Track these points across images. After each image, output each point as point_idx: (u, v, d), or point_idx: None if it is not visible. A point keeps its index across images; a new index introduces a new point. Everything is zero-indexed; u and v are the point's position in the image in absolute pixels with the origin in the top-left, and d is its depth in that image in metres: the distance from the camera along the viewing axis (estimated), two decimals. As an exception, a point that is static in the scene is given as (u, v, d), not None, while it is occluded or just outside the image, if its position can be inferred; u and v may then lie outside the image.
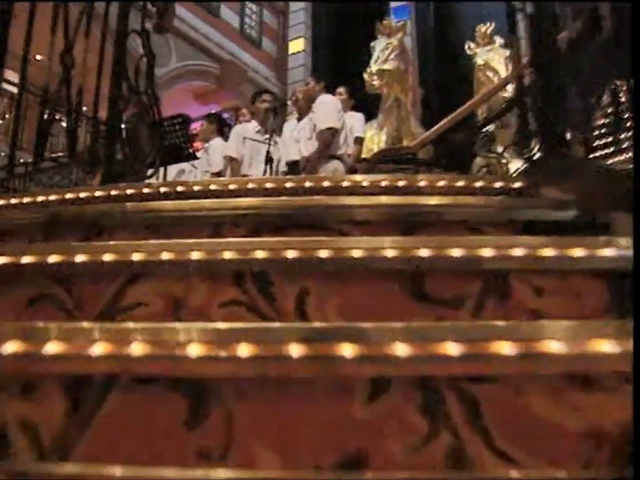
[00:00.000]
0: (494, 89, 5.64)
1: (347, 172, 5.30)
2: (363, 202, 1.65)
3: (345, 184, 1.88)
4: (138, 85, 2.98)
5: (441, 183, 1.93)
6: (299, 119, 6.23)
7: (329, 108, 5.26)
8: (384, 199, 1.68)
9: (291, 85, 16.70)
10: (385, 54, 9.08)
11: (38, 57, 14.25)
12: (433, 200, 1.68)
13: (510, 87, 7.21)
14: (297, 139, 6.05)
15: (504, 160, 5.15)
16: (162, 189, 2.08)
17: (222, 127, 6.38)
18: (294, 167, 5.88)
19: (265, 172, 5.29)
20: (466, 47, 9.53)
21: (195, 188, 2.07)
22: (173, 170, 6.32)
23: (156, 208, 1.78)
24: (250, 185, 2.08)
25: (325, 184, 1.91)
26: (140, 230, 1.75)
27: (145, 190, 2.09)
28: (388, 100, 9.07)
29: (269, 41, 17.89)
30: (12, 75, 13.53)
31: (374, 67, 8.88)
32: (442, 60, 15.24)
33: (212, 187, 2.09)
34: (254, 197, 1.82)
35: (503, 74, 8.48)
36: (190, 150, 5.25)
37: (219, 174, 5.90)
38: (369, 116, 8.23)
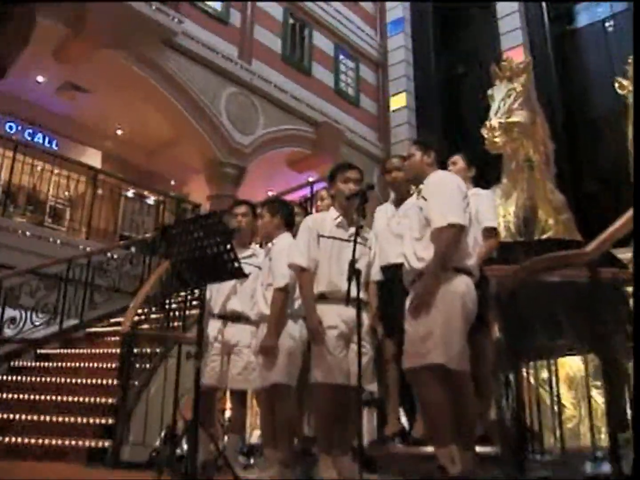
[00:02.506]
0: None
1: (477, 292, 3.37)
2: None
3: None
4: None
5: None
6: (398, 203, 4.39)
7: (451, 194, 3.39)
8: None
9: (394, 146, 15.00)
10: (507, 103, 7.18)
11: (118, 131, 13.32)
12: None
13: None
14: (397, 233, 4.21)
15: None
16: None
17: (290, 219, 4.61)
18: (392, 274, 4.03)
19: (349, 292, 3.43)
20: (615, 85, 7.42)
21: None
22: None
23: None
24: None
25: None
26: None
27: None
28: (514, 160, 7.12)
29: (367, 98, 16.37)
30: (95, 154, 12.27)
31: (495, 120, 6.97)
32: (568, 104, 13.04)
33: None
34: None
35: (675, 116, 6.31)
36: (237, 265, 3.49)
37: (285, 290, 4.12)
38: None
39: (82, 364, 7.14)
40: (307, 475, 4.03)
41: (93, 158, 13.95)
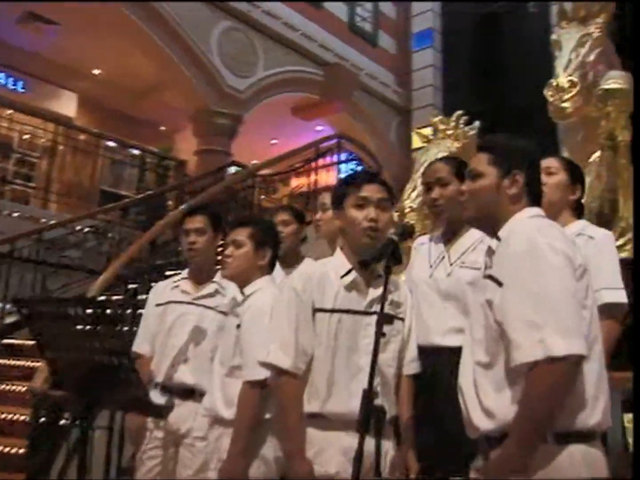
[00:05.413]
0: None
1: None
2: None
3: None
4: None
5: None
6: (447, 237, 2.60)
7: (554, 286, 1.61)
8: None
9: (417, 92, 13.04)
10: (580, 55, 5.35)
11: (96, 71, 11.48)
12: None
13: None
14: (444, 291, 2.48)
15: None
16: None
17: (274, 255, 2.86)
18: (438, 364, 2.37)
19: (363, 422, 1.72)
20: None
21: None
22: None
23: None
24: None
25: None
26: None
27: None
28: (584, 131, 5.35)
29: (386, 36, 14.33)
30: (70, 97, 10.40)
31: (564, 78, 5.17)
32: None
33: None
34: None
35: None
36: (144, 397, 1.80)
37: (264, 386, 2.46)
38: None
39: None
40: None
41: (67, 101, 12.15)
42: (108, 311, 1.84)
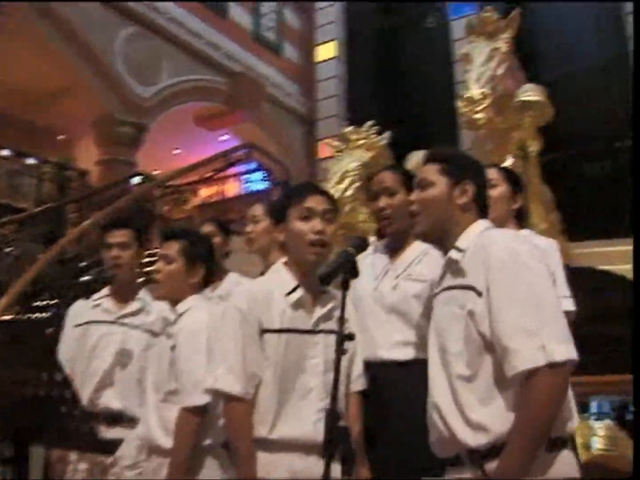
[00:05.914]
0: None
1: None
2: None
3: None
4: None
5: None
6: (392, 249, 2.55)
7: (541, 292, 1.61)
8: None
9: (321, 103, 13.09)
10: (490, 68, 5.53)
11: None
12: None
13: None
14: (390, 305, 2.42)
15: None
16: None
17: (208, 271, 2.71)
18: (386, 379, 2.31)
19: (329, 447, 1.65)
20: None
21: None
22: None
23: None
24: None
25: None
26: None
27: None
28: (492, 142, 5.53)
29: (291, 46, 14.33)
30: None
31: (477, 91, 5.31)
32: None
33: None
34: None
35: None
36: (93, 432, 1.66)
37: (203, 412, 2.34)
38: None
39: None
40: None
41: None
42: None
